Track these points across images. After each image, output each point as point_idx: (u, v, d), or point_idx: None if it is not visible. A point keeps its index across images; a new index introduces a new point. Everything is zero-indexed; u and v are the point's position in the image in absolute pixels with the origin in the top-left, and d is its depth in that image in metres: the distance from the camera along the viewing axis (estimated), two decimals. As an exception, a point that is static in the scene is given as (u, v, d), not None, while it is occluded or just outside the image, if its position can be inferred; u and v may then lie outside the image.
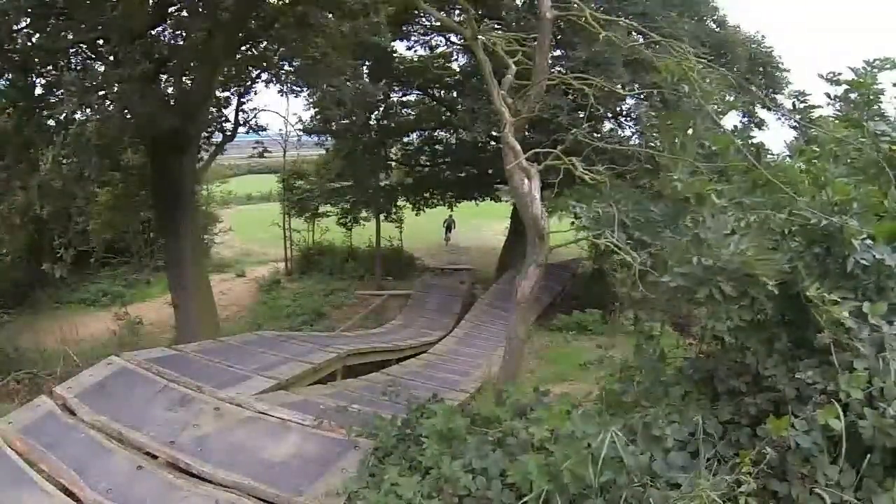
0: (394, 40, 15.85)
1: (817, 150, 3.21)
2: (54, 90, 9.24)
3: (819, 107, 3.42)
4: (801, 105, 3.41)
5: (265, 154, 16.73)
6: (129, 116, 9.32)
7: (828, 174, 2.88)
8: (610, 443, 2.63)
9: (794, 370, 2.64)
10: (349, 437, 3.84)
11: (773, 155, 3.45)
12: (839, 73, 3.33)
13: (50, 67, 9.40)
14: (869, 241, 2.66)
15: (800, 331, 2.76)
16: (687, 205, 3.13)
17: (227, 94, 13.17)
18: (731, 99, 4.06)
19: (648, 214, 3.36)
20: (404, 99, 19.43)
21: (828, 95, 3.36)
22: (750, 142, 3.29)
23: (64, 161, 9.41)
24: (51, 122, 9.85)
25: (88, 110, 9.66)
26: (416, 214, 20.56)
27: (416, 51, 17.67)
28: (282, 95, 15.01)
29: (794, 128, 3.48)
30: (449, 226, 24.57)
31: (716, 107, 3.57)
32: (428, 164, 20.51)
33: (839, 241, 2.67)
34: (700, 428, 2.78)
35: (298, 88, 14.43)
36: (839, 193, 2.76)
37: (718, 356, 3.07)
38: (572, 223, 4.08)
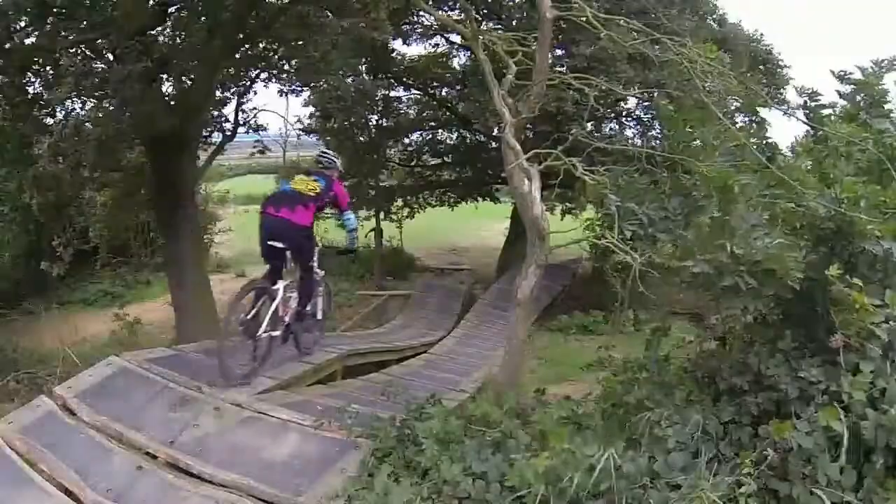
0: (394, 38, 15.85)
1: (823, 149, 3.21)
2: (54, 89, 9.24)
3: (832, 106, 3.41)
4: (813, 104, 3.39)
5: (265, 151, 16.68)
6: (127, 115, 9.32)
7: (837, 171, 2.88)
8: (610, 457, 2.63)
9: (798, 369, 2.63)
10: (349, 437, 3.84)
11: (782, 154, 3.45)
12: (850, 73, 3.32)
13: (49, 68, 9.40)
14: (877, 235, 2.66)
15: (804, 329, 2.76)
16: (707, 201, 3.12)
17: (226, 94, 13.14)
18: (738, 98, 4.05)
19: (665, 211, 3.34)
20: (404, 98, 19.44)
21: (839, 93, 3.36)
22: (764, 141, 3.29)
23: (62, 157, 9.42)
24: (49, 121, 9.86)
25: (87, 105, 9.66)
26: (410, 217, 20.44)
27: (416, 44, 17.59)
28: (281, 95, 14.94)
29: (810, 127, 3.45)
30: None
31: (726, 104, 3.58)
32: (429, 164, 20.49)
33: (846, 237, 2.67)
34: (701, 428, 2.77)
35: (299, 87, 14.39)
36: (847, 191, 2.75)
37: (721, 354, 3.07)
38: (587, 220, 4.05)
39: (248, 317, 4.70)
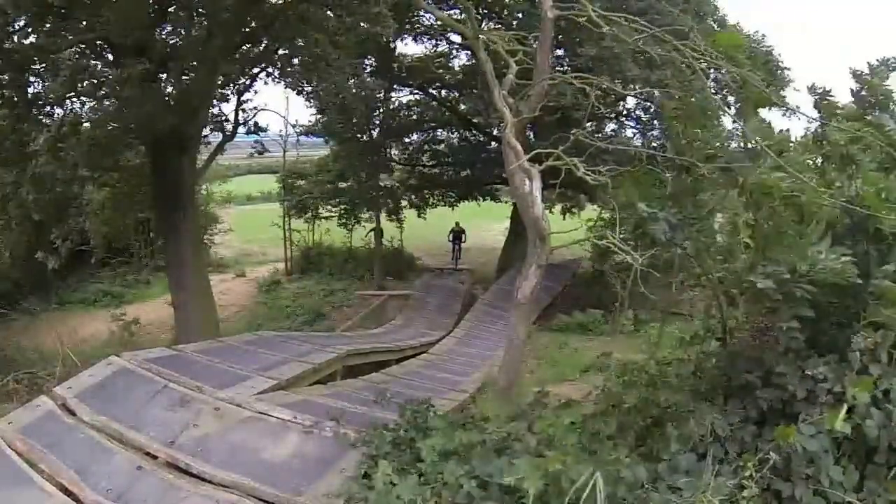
0: (395, 39, 15.84)
1: (826, 146, 3.18)
2: (49, 83, 9.23)
3: (841, 108, 3.39)
4: (824, 103, 3.37)
5: (265, 152, 16.68)
6: (126, 115, 9.31)
7: (858, 165, 2.86)
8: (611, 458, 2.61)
9: (805, 367, 2.62)
10: (348, 437, 3.83)
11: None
12: (865, 73, 3.30)
13: (48, 66, 9.39)
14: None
15: (816, 329, 2.73)
16: (717, 203, 3.10)
17: (226, 90, 13.11)
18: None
19: (683, 214, 3.30)
20: (405, 98, 19.47)
21: (851, 91, 3.34)
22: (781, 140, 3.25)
23: (60, 154, 9.42)
24: (48, 122, 9.86)
25: (86, 105, 9.64)
26: (419, 215, 20.51)
27: (418, 44, 17.60)
28: (285, 87, 14.82)
29: (820, 125, 3.42)
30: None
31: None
32: (430, 164, 20.53)
33: (861, 231, 2.64)
34: (703, 429, 2.76)
35: (301, 84, 14.34)
36: (868, 183, 2.72)
37: (732, 354, 3.05)
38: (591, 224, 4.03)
39: (451, 257, 20.97)
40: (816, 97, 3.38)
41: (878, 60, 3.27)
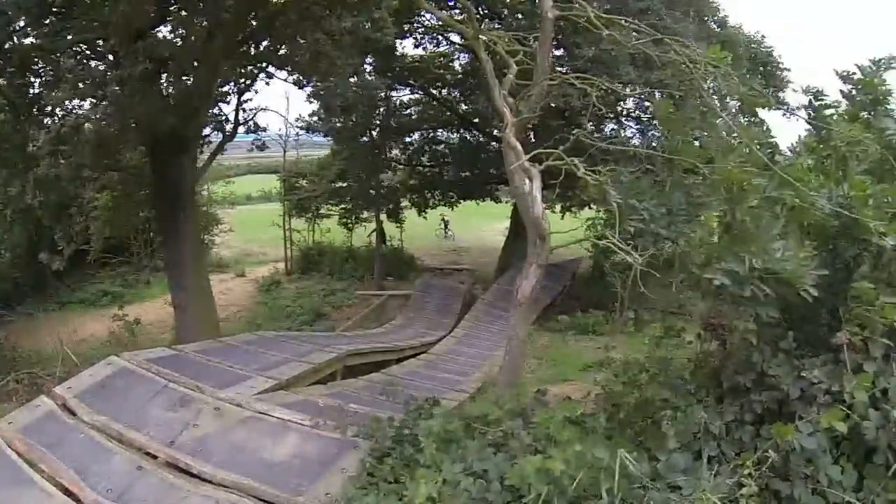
0: (396, 37, 15.84)
1: (825, 148, 3.19)
2: (53, 91, 9.23)
3: (835, 106, 3.39)
4: (817, 104, 3.37)
5: (265, 148, 16.64)
6: (128, 115, 9.31)
7: (846, 170, 2.87)
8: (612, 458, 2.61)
9: (800, 369, 2.62)
10: (349, 437, 3.83)
11: (781, 154, 3.43)
12: (853, 73, 3.31)
13: (48, 67, 9.39)
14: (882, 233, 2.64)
15: (806, 330, 2.74)
16: (709, 198, 3.11)
17: (227, 88, 13.09)
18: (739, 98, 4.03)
19: (666, 206, 3.30)
20: (406, 98, 19.47)
21: (841, 93, 3.34)
22: (766, 140, 3.27)
23: (62, 157, 9.44)
24: (48, 121, 9.86)
25: (85, 104, 9.65)
26: (419, 214, 20.54)
27: (422, 46, 17.59)
28: (291, 79, 14.77)
29: (812, 127, 3.43)
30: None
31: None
32: (430, 163, 20.54)
33: (851, 236, 2.65)
34: (703, 428, 2.77)
35: (302, 82, 14.31)
36: (856, 189, 2.73)
37: (724, 355, 3.06)
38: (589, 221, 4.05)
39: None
40: (810, 97, 3.39)
41: (869, 60, 3.28)
